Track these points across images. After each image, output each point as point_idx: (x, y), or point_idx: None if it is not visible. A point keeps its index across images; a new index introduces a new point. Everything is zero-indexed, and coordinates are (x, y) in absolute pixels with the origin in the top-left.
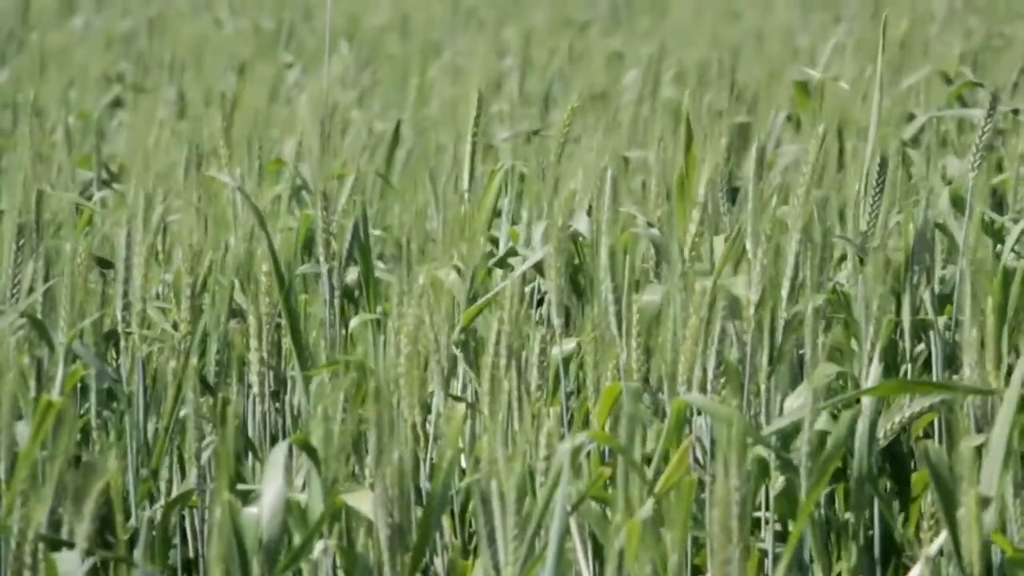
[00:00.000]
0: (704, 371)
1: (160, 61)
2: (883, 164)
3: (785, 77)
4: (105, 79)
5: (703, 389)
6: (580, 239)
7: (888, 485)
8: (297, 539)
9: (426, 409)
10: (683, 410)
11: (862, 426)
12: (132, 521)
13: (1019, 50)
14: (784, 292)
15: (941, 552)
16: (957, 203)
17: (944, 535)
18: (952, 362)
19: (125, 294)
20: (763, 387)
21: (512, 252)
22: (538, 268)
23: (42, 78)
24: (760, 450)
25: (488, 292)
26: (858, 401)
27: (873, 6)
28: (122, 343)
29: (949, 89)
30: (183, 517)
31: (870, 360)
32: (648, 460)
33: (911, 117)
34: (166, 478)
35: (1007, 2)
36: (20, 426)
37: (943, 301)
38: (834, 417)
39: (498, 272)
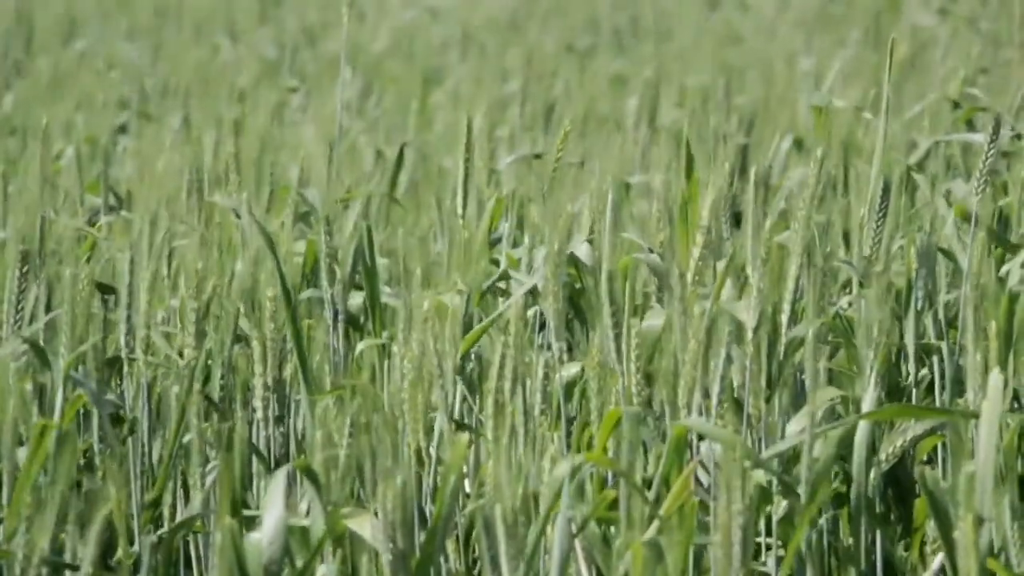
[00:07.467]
0: (707, 395)
1: (164, 87)
2: (887, 188)
3: (789, 101)
4: (112, 104)
5: (707, 413)
6: (583, 264)
7: (892, 508)
8: (299, 563)
9: (430, 433)
10: (683, 434)
11: (859, 450)
12: (135, 546)
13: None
14: (784, 317)
15: (943, 572)
16: (962, 223)
17: (941, 557)
18: (957, 386)
19: (128, 319)
20: (763, 411)
21: (504, 276)
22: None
23: (48, 103)
24: (761, 474)
25: (490, 317)
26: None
27: (875, 30)
28: (125, 368)
29: (955, 114)
30: (186, 542)
31: (868, 384)
32: (649, 484)
33: (913, 145)
34: (170, 503)
35: (1008, 27)
36: (22, 452)
37: (947, 325)
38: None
39: (501, 296)
